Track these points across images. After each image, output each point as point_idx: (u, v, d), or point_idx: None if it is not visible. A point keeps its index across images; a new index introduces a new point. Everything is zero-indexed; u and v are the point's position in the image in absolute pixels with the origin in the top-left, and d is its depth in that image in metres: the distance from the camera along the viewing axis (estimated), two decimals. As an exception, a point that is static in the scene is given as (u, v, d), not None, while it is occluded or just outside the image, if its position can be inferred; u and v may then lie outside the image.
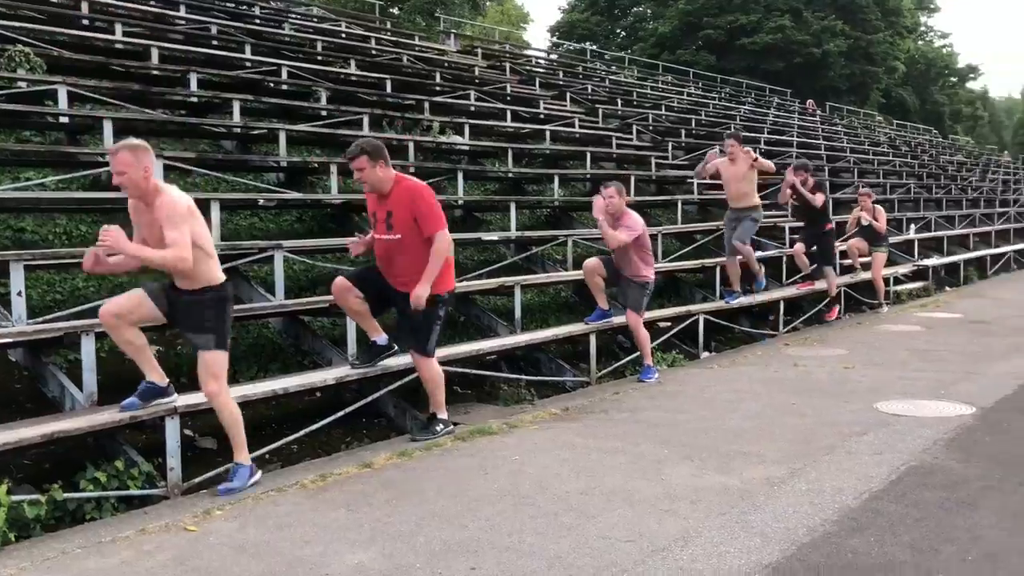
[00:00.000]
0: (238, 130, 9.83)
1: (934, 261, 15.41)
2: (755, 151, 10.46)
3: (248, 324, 7.02)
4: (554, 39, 50.40)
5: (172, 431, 4.68)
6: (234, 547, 3.87)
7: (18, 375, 5.77)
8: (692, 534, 3.84)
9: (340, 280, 5.68)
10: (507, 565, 3.56)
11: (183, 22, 13.76)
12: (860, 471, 4.69)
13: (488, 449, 5.42)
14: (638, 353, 8.04)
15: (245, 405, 5.00)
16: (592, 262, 7.57)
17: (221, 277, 4.73)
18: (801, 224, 11.37)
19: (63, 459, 4.98)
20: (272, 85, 12.00)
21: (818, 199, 10.29)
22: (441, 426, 5.70)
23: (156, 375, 4.75)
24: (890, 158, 27.55)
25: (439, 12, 34.13)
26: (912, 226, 17.08)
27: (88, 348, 5.07)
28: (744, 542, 3.73)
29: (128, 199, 4.65)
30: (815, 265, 11.00)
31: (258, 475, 4.80)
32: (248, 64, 12.31)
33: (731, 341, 10.09)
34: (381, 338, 5.91)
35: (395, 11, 35.53)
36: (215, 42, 13.28)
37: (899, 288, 13.62)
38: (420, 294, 5.36)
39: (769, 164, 9.85)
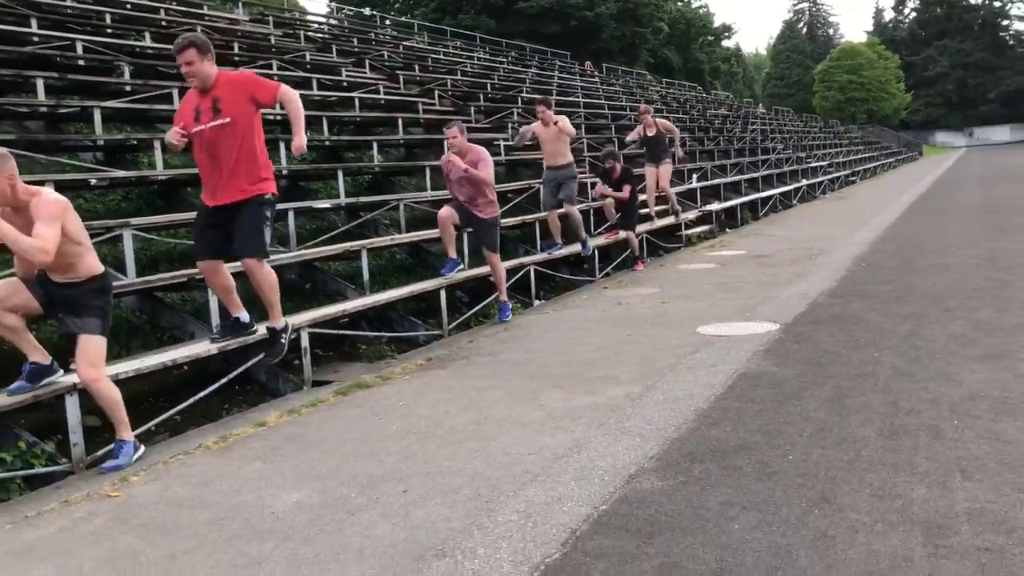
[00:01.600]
0: (44, 109, 9.40)
1: (715, 206, 17.07)
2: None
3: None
4: (334, 3, 49.51)
5: (72, 408, 4.75)
6: (169, 503, 4.09)
7: None
8: (583, 442, 4.47)
9: (201, 262, 5.70)
10: (433, 484, 4.04)
11: None
12: (702, 380, 5.52)
13: (371, 399, 5.81)
14: (483, 304, 8.66)
15: (118, 384, 5.10)
16: (445, 211, 8.05)
17: (101, 268, 4.82)
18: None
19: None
20: (64, 61, 11.41)
21: (625, 192, 11.67)
22: (283, 336, 5.83)
23: (39, 355, 4.77)
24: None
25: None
26: (694, 176, 18.73)
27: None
28: (627, 443, 4.41)
29: None
30: (619, 214, 12.07)
31: (141, 450, 4.87)
32: (36, 39, 11.61)
33: (555, 289, 10.89)
34: (244, 315, 5.99)
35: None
36: (-7, 15, 12.37)
37: (689, 232, 15.04)
38: (300, 144, 5.40)
39: (571, 130, 10.71)
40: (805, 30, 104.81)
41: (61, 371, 4.88)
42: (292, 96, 5.52)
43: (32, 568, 3.47)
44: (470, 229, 8.49)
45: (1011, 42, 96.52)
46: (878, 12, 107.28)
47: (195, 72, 5.33)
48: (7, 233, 4.39)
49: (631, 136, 13.98)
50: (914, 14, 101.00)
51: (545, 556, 3.20)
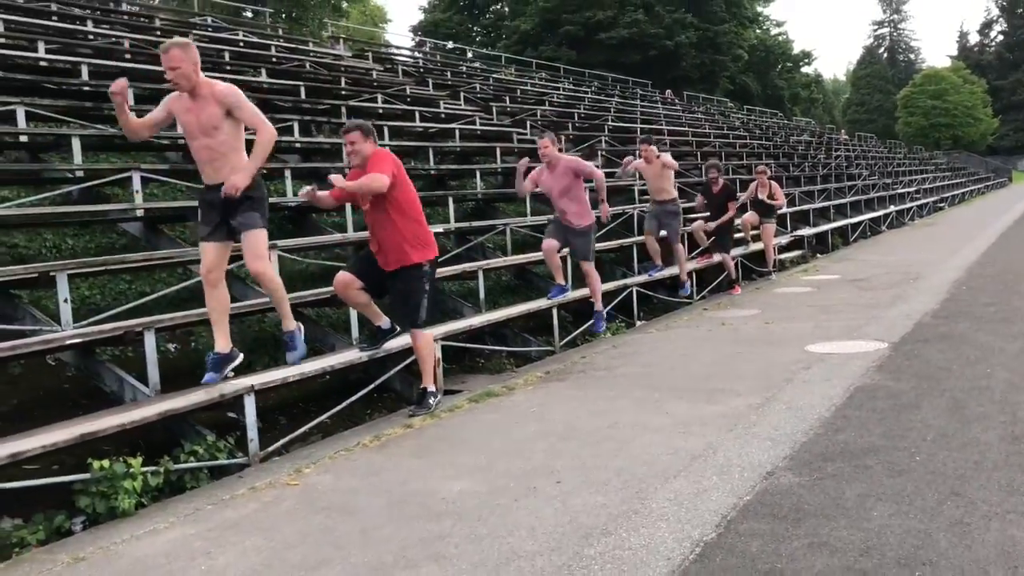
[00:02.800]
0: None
1: (807, 231, 17.21)
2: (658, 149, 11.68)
3: (246, 318, 7.59)
4: (418, 38, 51.05)
5: (250, 406, 5.32)
6: (345, 491, 4.59)
7: (63, 376, 6.20)
8: (716, 445, 4.84)
9: (340, 275, 6.24)
10: (583, 478, 4.45)
11: (92, 36, 13.81)
12: (821, 392, 5.83)
13: (503, 406, 6.27)
14: (588, 323, 9.08)
15: (274, 389, 5.71)
16: (548, 243, 8.50)
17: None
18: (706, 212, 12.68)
19: (133, 443, 5.51)
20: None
21: (731, 209, 11.92)
22: (432, 399, 6.26)
23: (223, 343, 5.39)
24: (747, 141, 29.79)
25: (296, 12, 34.38)
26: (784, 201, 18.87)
27: (150, 343, 5.61)
28: (759, 445, 4.76)
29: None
30: (712, 239, 12.36)
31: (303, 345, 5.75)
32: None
33: (654, 310, 11.25)
34: (385, 322, 6.59)
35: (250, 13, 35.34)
36: (127, 56, 13.41)
37: (782, 256, 15.22)
38: (315, 192, 5.93)
39: (674, 163, 11.08)
40: (886, 55, 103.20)
41: (240, 356, 5.53)
42: (379, 180, 5.93)
43: (245, 538, 4.00)
44: (567, 248, 8.87)
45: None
46: (962, 36, 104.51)
47: (357, 151, 5.97)
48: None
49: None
50: (1001, 37, 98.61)
51: (703, 535, 3.58)
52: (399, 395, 7.14)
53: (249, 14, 36.01)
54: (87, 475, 4.50)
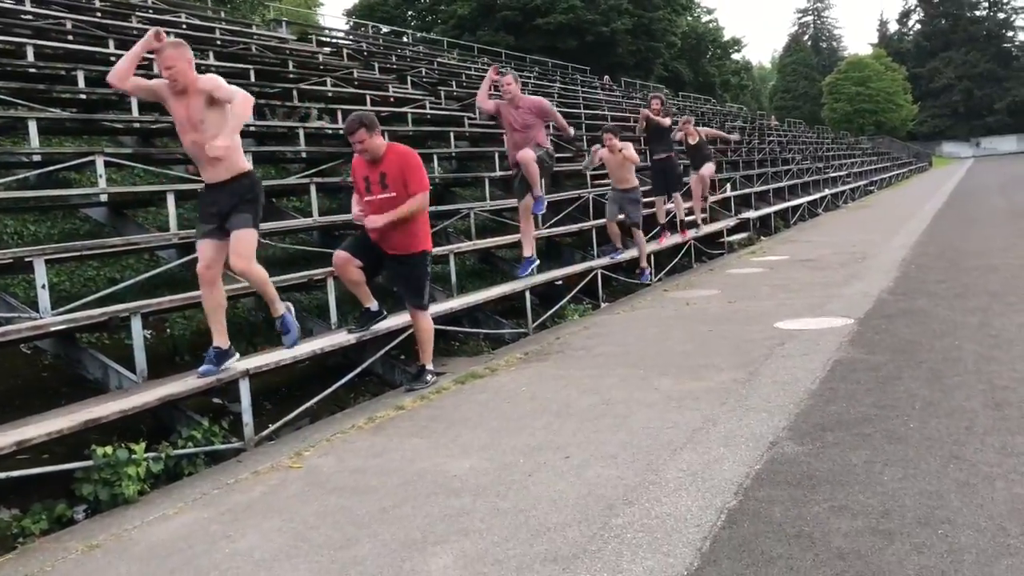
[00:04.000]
0: (138, 125, 9.96)
1: (752, 214, 17.60)
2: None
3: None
4: (353, 22, 50.42)
5: (245, 391, 5.26)
6: (352, 472, 4.59)
7: (39, 364, 6.03)
8: (712, 418, 4.97)
9: (339, 253, 6.33)
10: (590, 452, 4.53)
11: (31, 17, 13.32)
12: (802, 367, 6.02)
13: (491, 386, 6.31)
14: (557, 306, 9.19)
15: (265, 373, 5.68)
16: (526, 201, 8.65)
17: (248, 165, 5.44)
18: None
19: (122, 431, 5.40)
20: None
21: (666, 121, 12.97)
22: (430, 376, 6.48)
23: (221, 339, 5.32)
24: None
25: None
26: (727, 186, 19.26)
27: (137, 329, 5.51)
28: (755, 417, 4.90)
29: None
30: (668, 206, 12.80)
31: (296, 327, 5.77)
32: (114, 59, 12.19)
33: (614, 292, 11.39)
34: (373, 305, 6.60)
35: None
36: (70, 37, 12.98)
37: (729, 239, 15.55)
38: (376, 221, 6.07)
39: (635, 157, 11.29)
40: (810, 43, 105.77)
41: (237, 355, 5.42)
42: (421, 201, 6.17)
43: (262, 521, 3.97)
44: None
45: (1016, 53, 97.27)
46: (882, 25, 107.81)
47: (367, 148, 6.03)
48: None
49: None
50: (919, 26, 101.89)
51: (724, 503, 3.69)
52: (381, 379, 7.13)
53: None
54: (89, 462, 4.41)
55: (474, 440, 4.94)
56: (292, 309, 5.74)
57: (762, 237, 17.34)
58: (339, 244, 6.64)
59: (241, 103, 5.05)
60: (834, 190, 27.33)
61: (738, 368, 6.14)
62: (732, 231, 16.06)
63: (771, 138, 37.21)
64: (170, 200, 7.53)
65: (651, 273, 11.57)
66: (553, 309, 9.27)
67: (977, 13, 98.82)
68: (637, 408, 5.32)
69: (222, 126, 5.08)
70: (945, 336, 6.60)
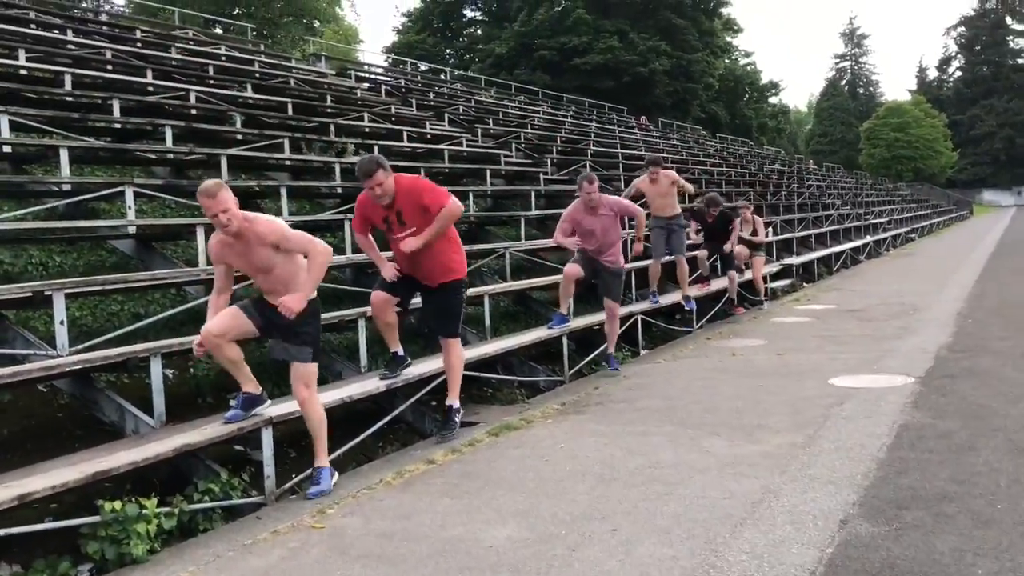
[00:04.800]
0: (171, 156, 9.78)
1: (795, 260, 17.11)
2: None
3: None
4: (392, 59, 50.95)
5: (267, 440, 4.92)
6: (379, 535, 4.21)
7: (55, 404, 5.74)
8: (773, 488, 4.53)
9: (377, 293, 6.01)
10: (640, 525, 4.12)
11: (73, 47, 13.32)
12: (865, 431, 5.56)
13: (526, 440, 5.92)
14: (596, 352, 8.78)
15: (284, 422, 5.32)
16: (572, 268, 8.19)
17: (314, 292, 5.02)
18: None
19: (135, 479, 5.07)
20: (176, 110, 11.88)
21: (736, 227, 12.02)
22: (457, 416, 6.13)
23: (251, 385, 4.98)
24: (724, 168, 29.85)
25: (267, 30, 34.09)
26: (769, 229, 18.81)
27: (156, 371, 5.20)
28: (821, 490, 4.46)
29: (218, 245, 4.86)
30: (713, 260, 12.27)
31: (335, 476, 5.12)
32: (151, 89, 12.12)
33: (654, 339, 10.97)
34: (400, 349, 6.28)
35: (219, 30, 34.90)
36: (109, 67, 12.95)
37: (772, 285, 15.07)
38: (413, 244, 5.76)
39: (689, 187, 10.96)
40: (847, 88, 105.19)
41: (269, 401, 5.09)
42: (453, 210, 5.82)
43: (279, 593, 3.60)
44: (594, 281, 8.58)
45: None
46: (921, 71, 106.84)
47: (385, 191, 5.67)
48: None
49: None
50: (959, 73, 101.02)
51: (797, 595, 3.26)
52: (411, 427, 6.76)
53: (219, 30, 35.58)
54: (96, 518, 4.08)
55: (510, 504, 4.55)
56: (333, 471, 5.16)
57: (805, 284, 16.85)
58: (372, 282, 6.32)
59: (323, 260, 4.86)
60: (875, 237, 26.75)
61: (795, 430, 5.70)
62: (775, 277, 15.60)
63: (810, 182, 36.71)
64: (199, 234, 7.28)
65: (694, 304, 11.14)
66: (591, 356, 8.87)
67: (1020, 61, 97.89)
68: (688, 473, 4.90)
69: (294, 262, 4.91)
70: (1020, 401, 6.11)
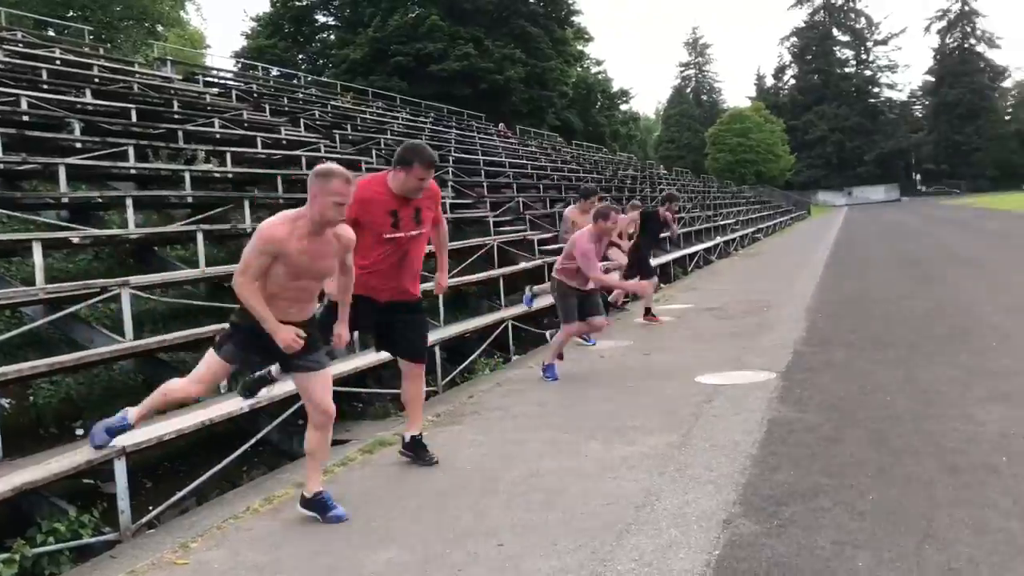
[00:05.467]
0: (1, 166, 9.01)
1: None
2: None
3: (96, 369, 6.64)
4: (242, 64, 49.31)
5: (121, 472, 4.53)
6: (250, 568, 3.93)
7: None
8: (655, 491, 4.52)
9: None
10: (526, 538, 4.01)
11: None
12: (737, 427, 5.67)
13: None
14: (468, 361, 8.67)
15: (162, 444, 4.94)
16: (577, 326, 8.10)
17: None
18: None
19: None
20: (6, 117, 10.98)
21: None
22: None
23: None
24: (581, 174, 30.40)
25: (105, 34, 32.35)
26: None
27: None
28: (701, 491, 4.48)
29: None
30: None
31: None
32: (-25, 93, 11.17)
33: (522, 343, 10.94)
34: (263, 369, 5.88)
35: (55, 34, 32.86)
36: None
37: (633, 287, 15.37)
38: (445, 283, 5.69)
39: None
40: (692, 96, 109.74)
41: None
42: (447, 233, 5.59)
43: (141, 642, 3.28)
44: None
45: (882, 108, 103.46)
46: (760, 79, 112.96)
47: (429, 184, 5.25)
48: None
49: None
50: (793, 81, 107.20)
51: (689, 601, 3.22)
52: (278, 449, 6.43)
53: (52, 32, 33.43)
54: (-79, 573, 3.62)
55: (390, 525, 4.34)
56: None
57: (662, 285, 17.28)
58: (227, 295, 5.90)
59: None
60: (725, 237, 27.83)
61: (669, 429, 5.74)
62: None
63: (662, 187, 37.91)
64: (36, 250, 6.70)
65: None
66: (463, 364, 8.74)
67: (847, 70, 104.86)
68: (570, 480, 4.83)
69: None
70: (875, 392, 6.39)
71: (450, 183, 17.55)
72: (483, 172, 21.70)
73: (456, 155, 22.38)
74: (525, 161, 27.86)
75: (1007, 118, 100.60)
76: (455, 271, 11.71)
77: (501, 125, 37.57)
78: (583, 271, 7.66)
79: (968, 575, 3.26)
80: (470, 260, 12.51)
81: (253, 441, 5.79)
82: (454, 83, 46.24)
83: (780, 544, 3.68)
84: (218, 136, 14.43)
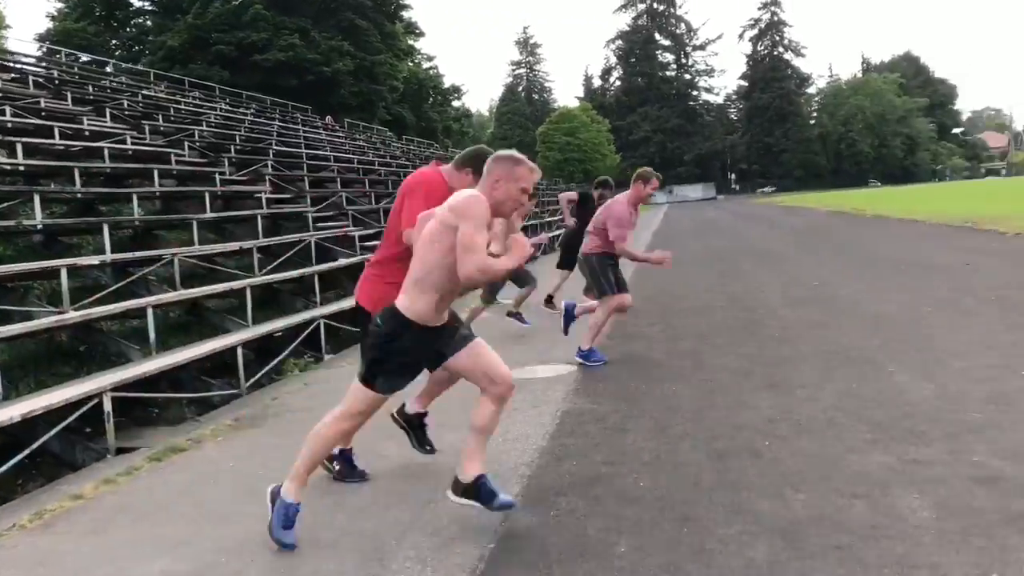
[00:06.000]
0: None
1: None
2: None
3: None
4: (46, 48, 45.94)
5: None
6: (7, 591, 3.71)
7: None
8: (444, 488, 4.57)
9: None
10: (307, 541, 3.96)
11: None
12: (532, 420, 5.83)
13: (193, 464, 5.54)
14: (277, 360, 8.48)
15: None
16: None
17: None
18: None
19: None
20: None
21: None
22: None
23: None
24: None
25: None
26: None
27: None
28: (487, 484, 4.58)
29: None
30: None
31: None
32: None
33: (340, 343, 10.80)
34: None
35: None
36: None
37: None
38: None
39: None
40: (524, 94, 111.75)
41: None
42: None
43: None
44: None
45: (700, 111, 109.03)
46: (588, 80, 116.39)
47: None
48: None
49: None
50: (619, 82, 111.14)
51: (457, 596, 3.30)
52: (59, 459, 6.07)
53: None
54: None
55: (169, 535, 4.20)
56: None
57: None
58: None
59: None
60: (551, 234, 28.54)
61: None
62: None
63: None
64: None
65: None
66: (271, 365, 8.54)
67: (668, 73, 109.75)
68: (362, 480, 4.83)
69: None
70: (664, 382, 6.74)
71: (268, 177, 17.08)
72: (305, 166, 21.25)
73: (277, 148, 21.81)
74: (352, 155, 27.51)
75: (812, 122, 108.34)
76: (267, 268, 11.44)
77: (328, 118, 36.92)
78: (611, 237, 7.65)
79: (717, 555, 3.50)
80: (286, 256, 12.25)
81: (28, 452, 5.44)
82: (280, 74, 44.97)
83: (551, 535, 3.83)
84: (9, 126, 13.40)
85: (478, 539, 3.84)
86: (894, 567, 3.28)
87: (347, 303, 10.61)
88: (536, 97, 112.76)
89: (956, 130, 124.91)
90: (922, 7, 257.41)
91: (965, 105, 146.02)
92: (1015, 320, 8.25)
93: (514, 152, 3.99)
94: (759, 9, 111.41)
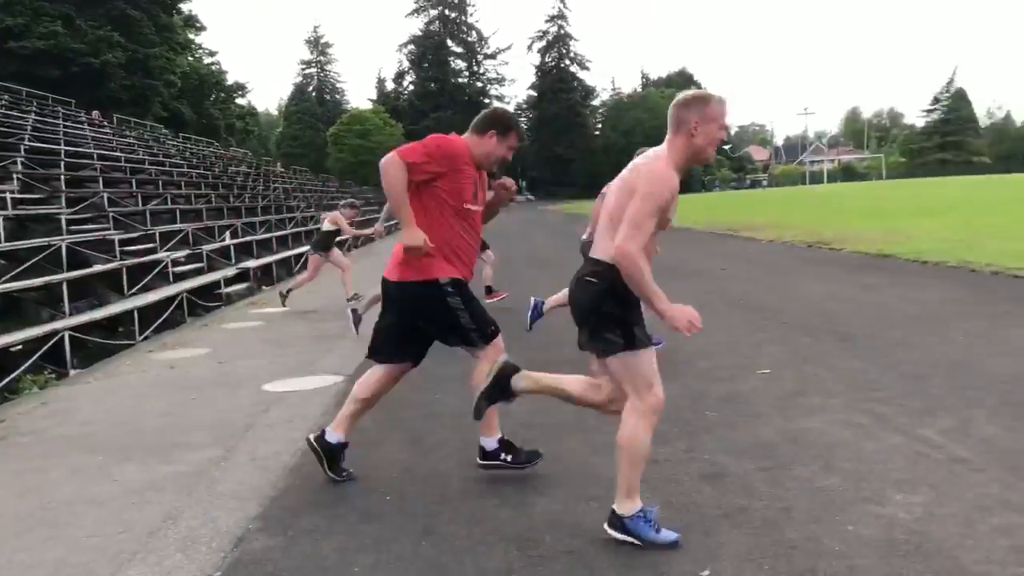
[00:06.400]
0: None
1: (252, 263, 17.06)
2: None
3: None
4: None
5: None
6: None
7: None
8: (175, 513, 4.28)
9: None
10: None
11: None
12: (284, 437, 5.60)
13: None
14: (10, 378, 7.72)
15: None
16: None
17: None
18: None
19: None
20: None
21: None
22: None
23: None
24: (185, 170, 28.79)
25: None
26: (227, 233, 18.52)
27: None
28: (225, 507, 4.33)
29: None
30: None
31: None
32: None
33: (90, 356, 10.01)
34: None
35: None
36: None
37: (228, 290, 14.84)
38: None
39: None
40: (315, 94, 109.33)
41: None
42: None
43: None
44: None
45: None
46: (380, 82, 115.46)
47: None
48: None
49: None
50: (412, 87, 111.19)
51: (171, 633, 3.06)
52: None
53: None
54: None
55: None
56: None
57: (263, 287, 16.90)
58: None
59: None
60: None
61: (216, 444, 5.53)
62: (231, 281, 15.38)
63: (276, 185, 37.20)
64: None
65: None
66: (2, 383, 7.75)
67: (461, 80, 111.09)
68: (86, 509, 4.43)
69: None
70: (427, 390, 6.68)
71: (16, 175, 15.62)
72: (63, 164, 19.63)
73: (30, 144, 20.02)
74: (119, 153, 25.76)
75: (596, 133, 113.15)
76: (7, 276, 10.44)
77: (95, 113, 34.38)
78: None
79: (452, 568, 3.46)
80: (31, 262, 11.24)
81: None
82: (39, 63, 41.30)
83: (285, 557, 3.65)
84: None
85: (204, 568, 3.60)
86: (620, 569, 3.37)
87: (100, 313, 9.87)
88: (328, 97, 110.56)
89: (725, 145, 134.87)
90: (695, 27, 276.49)
91: (733, 120, 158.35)
92: (758, 322, 8.91)
93: (698, 91, 3.57)
94: (546, 22, 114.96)
